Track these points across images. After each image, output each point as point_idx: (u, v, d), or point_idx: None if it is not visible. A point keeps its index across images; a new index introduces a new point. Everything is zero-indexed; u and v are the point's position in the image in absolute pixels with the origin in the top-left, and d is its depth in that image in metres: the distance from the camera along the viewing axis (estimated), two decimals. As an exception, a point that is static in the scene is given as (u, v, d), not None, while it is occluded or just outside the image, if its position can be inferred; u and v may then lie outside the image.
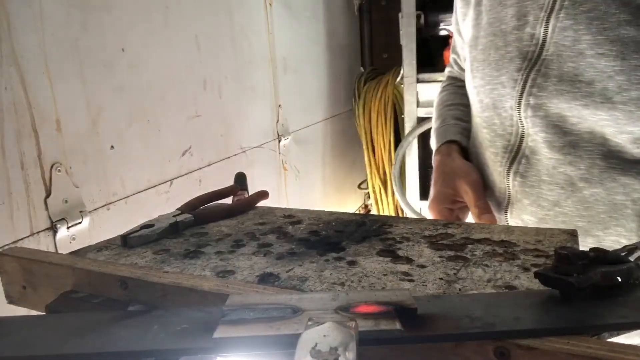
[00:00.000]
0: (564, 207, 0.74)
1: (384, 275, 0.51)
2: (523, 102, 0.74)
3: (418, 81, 2.24)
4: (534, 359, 0.35)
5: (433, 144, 0.97)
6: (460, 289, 0.47)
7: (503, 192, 0.81)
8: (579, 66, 0.69)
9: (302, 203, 2.14)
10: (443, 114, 1.00)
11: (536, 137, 0.74)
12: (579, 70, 0.69)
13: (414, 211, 2.39)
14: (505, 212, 0.81)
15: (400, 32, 2.24)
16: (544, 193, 0.76)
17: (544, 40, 0.72)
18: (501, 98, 0.78)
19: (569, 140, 0.72)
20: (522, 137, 0.77)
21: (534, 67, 0.73)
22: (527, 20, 0.74)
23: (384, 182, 2.59)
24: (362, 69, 2.76)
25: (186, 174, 1.41)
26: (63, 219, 1.02)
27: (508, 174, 0.79)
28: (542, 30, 0.72)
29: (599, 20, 0.67)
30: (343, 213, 0.73)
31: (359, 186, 2.85)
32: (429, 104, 2.21)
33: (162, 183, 1.32)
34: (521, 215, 0.79)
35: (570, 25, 0.69)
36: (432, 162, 0.94)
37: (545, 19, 0.71)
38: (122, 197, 1.19)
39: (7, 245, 0.93)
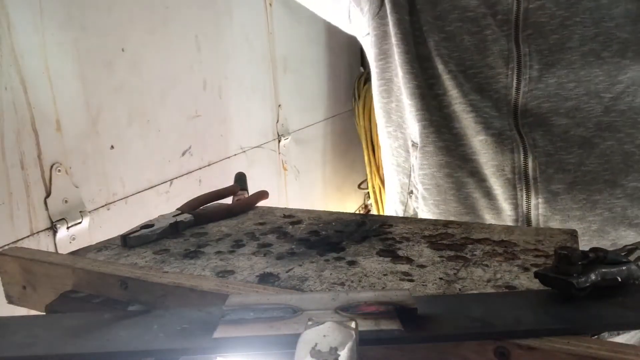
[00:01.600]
0: (589, 165, 0.76)
1: (384, 275, 0.51)
2: (522, 79, 0.76)
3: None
4: (534, 359, 0.35)
5: None
6: (460, 289, 0.47)
7: (519, 171, 0.78)
8: (562, 36, 0.75)
9: (302, 203, 2.13)
10: None
11: (539, 109, 0.76)
12: (564, 39, 0.75)
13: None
14: (527, 189, 0.78)
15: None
16: (565, 157, 0.76)
17: (518, 20, 0.76)
18: (489, 80, 0.78)
19: (571, 105, 0.75)
20: (520, 114, 0.77)
21: (519, 46, 0.76)
22: (496, 7, 0.78)
23: (384, 182, 2.59)
24: (362, 69, 2.76)
25: (186, 174, 1.41)
26: (63, 219, 1.02)
27: (524, 148, 0.77)
28: (514, 14, 0.76)
29: None
30: (343, 213, 0.73)
31: (359, 186, 2.84)
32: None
33: (162, 183, 1.32)
34: (549, 187, 0.77)
35: (541, 5, 0.75)
36: None
37: (515, 3, 0.76)
38: (122, 197, 1.19)
39: (7, 245, 0.93)
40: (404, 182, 0.92)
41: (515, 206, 0.79)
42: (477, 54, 0.79)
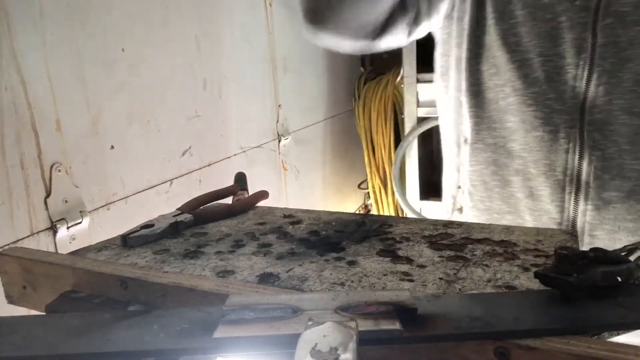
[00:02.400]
0: None
1: (384, 275, 0.51)
2: (595, 70, 0.71)
3: (418, 81, 2.24)
4: (534, 359, 0.35)
5: None
6: (460, 289, 0.47)
7: (572, 173, 0.74)
8: None
9: (302, 203, 2.13)
10: None
11: (609, 106, 0.71)
12: None
13: (414, 211, 2.39)
14: (577, 194, 0.74)
15: (401, 32, 2.24)
16: (627, 163, 0.71)
17: (597, 10, 0.70)
18: (559, 70, 0.73)
19: None
20: (585, 110, 0.72)
21: (595, 35, 0.70)
22: None
23: (384, 182, 2.59)
24: (362, 69, 2.76)
25: (186, 174, 1.41)
26: (63, 219, 1.02)
27: (581, 151, 0.73)
28: (594, 2, 0.71)
29: None
30: (343, 213, 0.73)
31: (359, 186, 2.84)
32: (429, 104, 2.21)
33: (162, 183, 1.32)
34: (602, 194, 0.73)
35: None
36: None
37: None
38: (122, 197, 1.19)
39: (7, 245, 0.93)
40: (454, 176, 0.92)
41: (562, 209, 0.76)
42: (549, 42, 0.74)
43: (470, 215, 0.87)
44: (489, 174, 0.82)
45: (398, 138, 2.46)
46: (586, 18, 0.71)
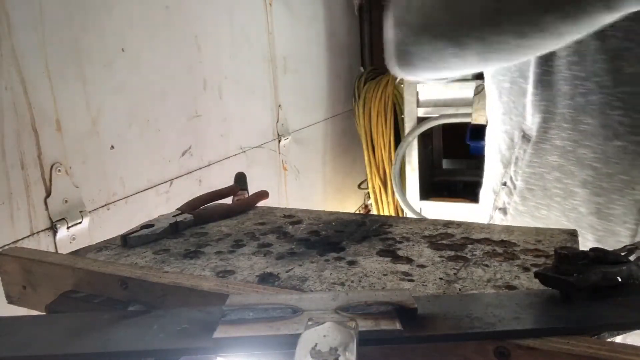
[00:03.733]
0: None
1: (384, 275, 0.51)
2: None
3: (418, 81, 2.24)
4: (534, 359, 0.35)
5: None
6: (460, 289, 0.47)
7: None
8: None
9: (302, 203, 2.13)
10: None
11: None
12: None
13: (414, 211, 2.39)
14: None
15: (401, 32, 2.23)
16: None
17: None
18: None
19: None
20: None
21: None
22: None
23: (384, 182, 2.59)
24: (362, 69, 2.76)
25: (186, 174, 1.41)
26: (63, 219, 1.02)
27: None
28: None
29: None
30: (343, 213, 0.73)
31: (359, 186, 2.84)
32: (429, 104, 2.21)
33: (162, 183, 1.32)
34: None
35: None
36: None
37: None
38: (122, 197, 1.19)
39: (7, 245, 0.93)
40: (500, 171, 0.81)
41: (635, 233, 0.66)
42: None
43: (519, 221, 0.77)
44: (552, 180, 0.71)
45: (398, 138, 2.46)
46: None
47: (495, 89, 0.80)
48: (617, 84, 0.62)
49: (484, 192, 0.88)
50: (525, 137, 0.74)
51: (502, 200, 0.80)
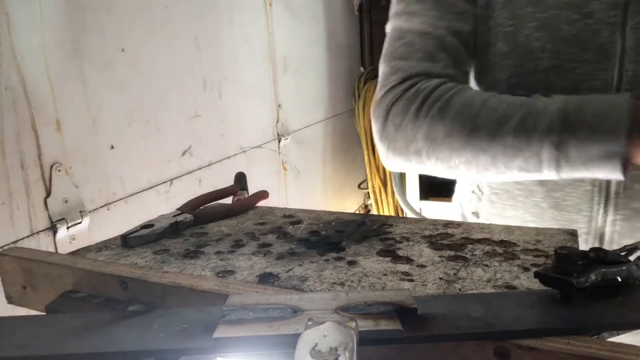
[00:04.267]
0: None
1: (384, 275, 0.51)
2: (625, 75, 0.67)
3: (418, 81, 2.24)
4: (534, 359, 0.35)
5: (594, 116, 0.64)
6: (460, 289, 0.47)
7: (601, 183, 0.71)
8: None
9: (302, 203, 2.13)
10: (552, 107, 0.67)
11: None
12: None
13: (413, 211, 2.39)
14: (606, 203, 0.72)
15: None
16: None
17: (627, 8, 0.65)
18: (586, 77, 0.68)
19: None
20: None
21: (624, 37, 0.66)
22: None
23: (384, 182, 2.59)
24: (362, 69, 2.76)
25: (186, 174, 1.41)
26: (63, 219, 1.02)
27: None
28: (623, 0, 0.65)
29: None
30: (343, 213, 0.73)
31: (359, 186, 2.84)
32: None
33: (162, 183, 1.32)
34: (632, 204, 0.71)
35: None
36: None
37: None
38: (122, 197, 1.19)
39: (7, 245, 0.93)
40: (467, 182, 0.89)
41: (590, 219, 0.74)
42: (575, 47, 0.68)
43: (491, 222, 0.81)
44: (513, 183, 0.79)
45: (398, 138, 2.46)
46: (615, 18, 0.66)
47: None
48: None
49: (456, 200, 0.97)
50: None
51: (474, 205, 0.87)
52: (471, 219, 0.89)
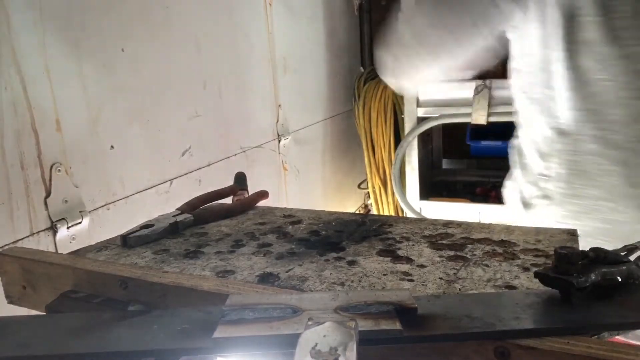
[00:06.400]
0: None
1: (384, 275, 0.51)
2: None
3: (418, 81, 2.24)
4: (534, 359, 0.35)
5: None
6: (460, 289, 0.47)
7: None
8: None
9: (302, 203, 2.13)
10: None
11: None
12: None
13: (413, 211, 2.39)
14: None
15: (401, 32, 2.23)
16: None
17: None
18: None
19: None
20: None
21: None
22: None
23: (384, 182, 2.59)
24: (362, 69, 2.76)
25: (186, 174, 1.41)
26: (63, 219, 1.02)
27: None
28: None
29: None
30: (343, 213, 0.73)
31: (359, 186, 2.84)
32: (429, 104, 2.20)
33: (162, 183, 1.32)
34: None
35: None
36: None
37: None
38: (122, 197, 1.19)
39: (7, 245, 0.93)
40: (540, 164, 0.95)
41: None
42: None
43: (563, 202, 0.91)
44: (590, 164, 0.85)
45: (398, 138, 2.46)
46: None
47: (525, 99, 0.95)
48: (635, 79, 0.77)
49: (511, 188, 1.04)
50: (561, 132, 0.88)
51: (545, 187, 0.94)
52: (540, 203, 0.95)
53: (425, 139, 2.41)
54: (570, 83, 0.84)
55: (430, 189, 2.51)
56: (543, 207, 0.94)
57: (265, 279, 0.52)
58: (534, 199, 0.96)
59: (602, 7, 0.78)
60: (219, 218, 0.74)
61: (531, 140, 0.97)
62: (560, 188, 0.91)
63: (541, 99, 0.91)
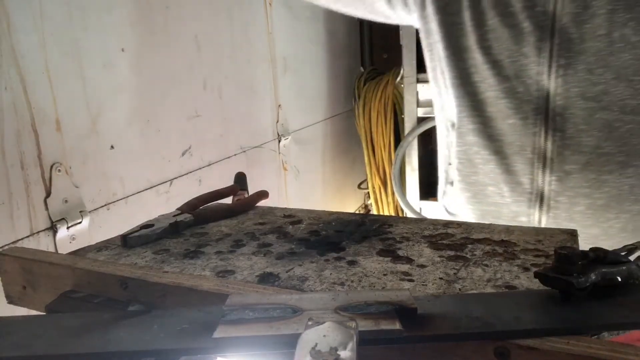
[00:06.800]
0: (605, 147, 0.85)
1: (384, 275, 0.51)
2: (553, 65, 0.85)
3: (418, 81, 2.24)
4: (534, 359, 0.35)
5: None
6: (460, 289, 0.47)
7: (539, 151, 0.89)
8: (594, 24, 0.81)
9: (302, 203, 2.13)
10: None
11: (567, 94, 0.85)
12: (595, 27, 0.81)
13: (413, 211, 2.39)
14: (544, 167, 0.89)
15: (400, 32, 2.24)
16: (584, 140, 0.85)
17: (554, 13, 0.84)
18: (525, 67, 0.88)
19: (600, 89, 0.82)
20: (548, 99, 0.87)
21: (553, 35, 0.84)
22: (535, 0, 0.86)
23: (384, 182, 2.59)
24: (362, 69, 2.76)
25: (186, 174, 1.41)
26: (63, 219, 1.02)
27: (546, 133, 0.88)
28: (551, 5, 0.84)
29: None
30: (343, 213, 0.73)
31: (359, 186, 2.84)
32: (429, 104, 2.20)
33: (162, 183, 1.32)
34: (563, 167, 0.88)
35: None
36: None
37: None
38: (122, 197, 1.19)
39: (7, 245, 0.93)
40: (446, 154, 1.07)
41: (532, 181, 0.91)
42: (515, 45, 0.88)
43: (458, 188, 1.03)
44: (473, 154, 0.97)
45: (398, 138, 2.46)
46: (545, 22, 0.85)
47: (437, 93, 1.06)
48: (500, 82, 0.90)
49: (439, 174, 1.15)
50: (453, 126, 1.00)
51: (451, 176, 1.06)
52: (449, 189, 1.08)
53: (425, 139, 2.41)
54: (453, 81, 0.96)
55: (430, 189, 2.51)
56: (450, 193, 1.07)
57: (266, 279, 0.52)
58: (445, 186, 1.09)
59: (476, 20, 0.92)
60: (219, 218, 0.74)
61: (440, 132, 1.10)
62: (456, 176, 1.02)
63: (440, 94, 1.04)
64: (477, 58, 0.92)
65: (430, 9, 0.96)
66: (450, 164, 1.05)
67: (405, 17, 1.06)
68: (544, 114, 0.87)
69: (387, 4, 1.04)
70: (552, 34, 0.84)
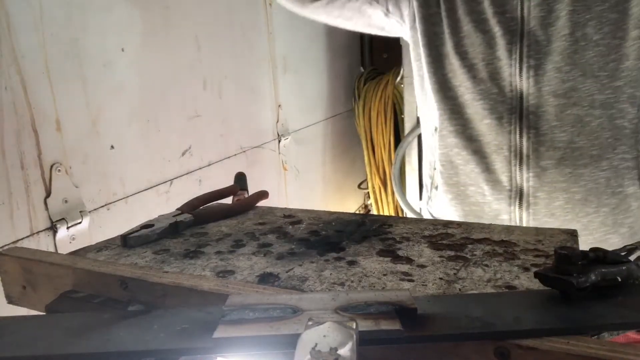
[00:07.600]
0: (578, 142, 0.89)
1: (384, 275, 0.51)
2: (524, 67, 0.89)
3: (418, 81, 2.24)
4: (534, 359, 0.35)
5: None
6: (460, 289, 0.47)
7: (515, 149, 0.92)
8: (558, 26, 0.86)
9: (302, 203, 2.13)
10: None
11: (539, 92, 0.89)
12: (559, 28, 0.86)
13: (413, 211, 2.39)
14: (520, 164, 0.92)
15: (400, 32, 2.24)
16: (557, 136, 0.89)
17: (522, 18, 0.89)
18: (498, 70, 0.92)
19: (569, 86, 0.87)
20: (521, 98, 0.91)
21: (522, 38, 0.89)
22: (505, 7, 0.91)
23: (384, 182, 2.59)
24: (362, 69, 2.76)
25: (186, 174, 1.41)
26: (63, 219, 1.02)
27: (521, 131, 0.91)
28: (519, 11, 0.89)
29: None
30: (343, 213, 0.73)
31: (359, 186, 2.84)
32: (429, 104, 2.20)
33: (162, 183, 1.32)
34: (539, 163, 0.91)
35: (541, 1, 0.87)
36: None
37: (520, 2, 0.90)
38: (122, 197, 1.19)
39: (7, 245, 0.93)
40: (431, 159, 1.10)
41: (510, 179, 0.94)
42: (488, 49, 0.93)
43: (442, 191, 1.05)
44: (454, 155, 1.00)
45: (398, 138, 2.46)
46: (514, 26, 0.90)
47: (422, 101, 1.11)
48: (476, 85, 0.95)
49: (424, 179, 1.18)
50: (436, 130, 1.04)
51: (436, 180, 1.08)
52: (433, 193, 1.11)
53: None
54: (434, 87, 1.01)
55: (430, 189, 2.50)
56: (435, 198, 1.10)
57: (266, 279, 0.52)
58: (432, 191, 1.11)
59: (452, 27, 0.96)
60: (219, 218, 0.74)
61: (424, 136, 1.15)
62: (439, 178, 1.05)
63: (424, 98, 1.08)
64: (454, 63, 0.97)
65: (417, 21, 1.02)
66: (435, 168, 1.08)
67: (398, 30, 1.11)
68: (518, 113, 0.91)
69: (385, 17, 1.09)
70: (522, 37, 0.90)
